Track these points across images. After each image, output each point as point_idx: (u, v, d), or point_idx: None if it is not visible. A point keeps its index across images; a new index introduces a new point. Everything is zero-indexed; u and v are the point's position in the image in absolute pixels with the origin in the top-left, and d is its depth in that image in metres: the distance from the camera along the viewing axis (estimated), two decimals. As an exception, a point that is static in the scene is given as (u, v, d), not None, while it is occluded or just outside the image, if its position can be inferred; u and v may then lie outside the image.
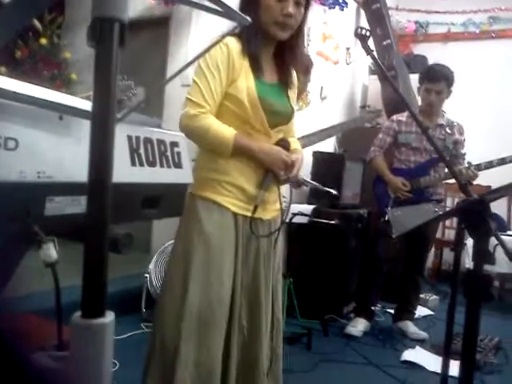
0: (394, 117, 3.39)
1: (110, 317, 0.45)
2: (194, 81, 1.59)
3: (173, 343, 1.57)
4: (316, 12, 4.14)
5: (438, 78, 3.15)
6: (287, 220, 3.08)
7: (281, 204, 1.72)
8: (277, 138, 1.68)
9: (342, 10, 4.34)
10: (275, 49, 1.69)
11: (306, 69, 1.73)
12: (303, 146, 2.99)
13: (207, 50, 1.52)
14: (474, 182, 3.18)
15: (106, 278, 0.45)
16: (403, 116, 3.31)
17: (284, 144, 1.66)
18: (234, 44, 1.58)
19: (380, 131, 3.45)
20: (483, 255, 1.17)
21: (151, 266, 3.14)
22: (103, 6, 0.45)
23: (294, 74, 1.78)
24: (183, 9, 4.03)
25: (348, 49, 4.78)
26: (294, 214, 3.21)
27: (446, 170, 3.23)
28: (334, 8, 4.25)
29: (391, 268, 3.38)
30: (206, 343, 1.57)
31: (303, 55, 1.74)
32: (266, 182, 1.64)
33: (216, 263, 1.59)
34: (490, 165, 3.05)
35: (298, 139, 2.90)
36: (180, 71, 1.60)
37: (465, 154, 3.27)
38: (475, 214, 1.21)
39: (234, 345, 1.63)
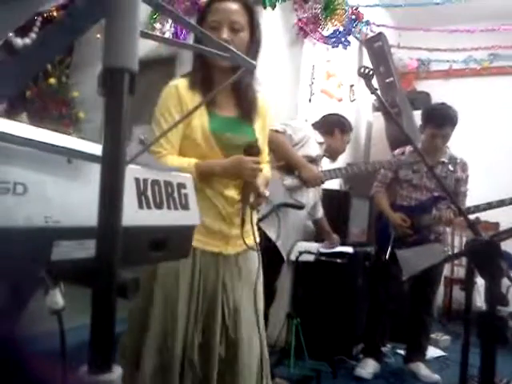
0: (396, 152, 3.39)
1: (117, 372, 0.43)
2: (152, 129, 1.61)
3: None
4: (319, 50, 4.22)
5: (445, 124, 3.08)
6: (294, 258, 3.06)
7: (254, 236, 1.62)
8: None
9: (345, 48, 4.42)
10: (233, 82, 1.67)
11: (252, 102, 1.71)
12: (329, 179, 3.00)
13: (212, 95, 1.55)
14: (482, 219, 3.15)
15: (114, 332, 0.43)
16: (405, 152, 3.31)
17: (251, 151, 1.57)
18: (182, 83, 1.61)
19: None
20: (496, 297, 1.14)
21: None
22: (113, 56, 0.45)
23: (261, 104, 1.75)
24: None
25: (352, 86, 4.85)
26: (301, 253, 3.18)
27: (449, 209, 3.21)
28: (337, 46, 4.33)
29: (398, 307, 3.32)
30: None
31: (249, 89, 1.70)
32: (245, 195, 1.58)
33: (171, 300, 1.57)
34: (477, 209, 2.99)
35: (324, 171, 2.91)
36: (186, 116, 1.62)
37: (466, 191, 3.23)
38: (485, 255, 1.19)
39: (187, 380, 1.57)
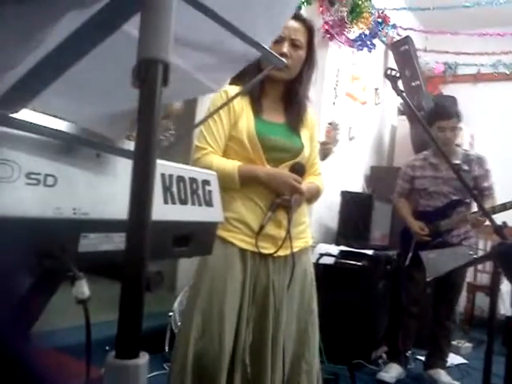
0: (408, 162, 3.37)
1: (144, 358, 0.44)
2: (200, 129, 1.69)
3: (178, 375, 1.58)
4: (344, 53, 4.20)
5: (451, 115, 3.13)
6: (314, 260, 3.05)
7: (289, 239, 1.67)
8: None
9: (370, 51, 4.40)
10: (285, 91, 1.76)
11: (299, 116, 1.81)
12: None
13: (239, 93, 1.60)
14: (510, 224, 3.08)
15: (142, 319, 0.44)
16: (416, 160, 3.30)
17: (297, 168, 1.67)
18: (232, 89, 1.68)
19: (399, 177, 3.43)
20: (523, 303, 1.12)
21: (176, 305, 3.11)
22: (148, 48, 0.46)
23: (310, 118, 1.83)
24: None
25: (376, 89, 4.82)
26: (321, 255, 3.17)
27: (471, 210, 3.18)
28: (362, 50, 4.31)
29: (421, 312, 3.27)
30: (208, 376, 1.56)
31: (301, 103, 1.78)
32: (274, 205, 1.64)
33: (218, 298, 1.60)
34: (492, 210, 2.91)
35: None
36: (211, 114, 1.66)
37: (491, 185, 3.15)
38: (513, 259, 1.17)
39: (236, 380, 1.59)
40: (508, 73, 5.34)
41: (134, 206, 0.46)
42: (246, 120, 1.67)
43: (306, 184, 1.72)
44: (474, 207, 3.26)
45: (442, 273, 1.40)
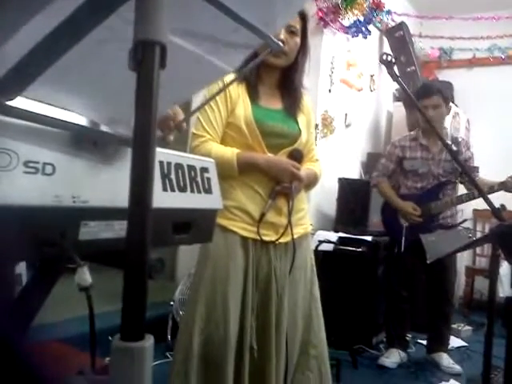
0: (397, 142, 3.31)
1: (149, 340, 0.44)
2: (197, 117, 1.69)
3: (183, 363, 1.60)
4: (339, 40, 4.18)
5: (432, 92, 3.11)
6: (313, 247, 3.06)
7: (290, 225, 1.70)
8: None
9: (366, 37, 4.37)
10: (280, 79, 1.77)
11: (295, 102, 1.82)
12: None
13: (232, 82, 1.59)
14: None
15: (146, 301, 0.44)
16: (406, 140, 3.25)
17: (295, 154, 1.68)
18: (228, 76, 1.66)
19: (382, 156, 3.41)
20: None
21: (177, 294, 3.12)
22: (145, 30, 0.46)
23: (306, 104, 1.83)
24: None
25: (372, 76, 4.80)
26: (320, 242, 3.17)
27: (459, 192, 3.22)
28: (357, 36, 4.29)
29: (415, 296, 3.27)
30: (213, 363, 1.58)
31: (297, 90, 1.79)
32: (274, 192, 1.65)
33: (221, 286, 1.61)
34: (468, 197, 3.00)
35: None
36: (207, 101, 1.65)
37: (478, 168, 3.16)
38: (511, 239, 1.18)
39: (245, 365, 1.61)
40: (503, 57, 5.32)
41: (135, 192, 0.46)
42: (244, 106, 1.67)
43: (304, 170, 1.72)
44: (460, 188, 3.31)
45: (443, 255, 1.41)
